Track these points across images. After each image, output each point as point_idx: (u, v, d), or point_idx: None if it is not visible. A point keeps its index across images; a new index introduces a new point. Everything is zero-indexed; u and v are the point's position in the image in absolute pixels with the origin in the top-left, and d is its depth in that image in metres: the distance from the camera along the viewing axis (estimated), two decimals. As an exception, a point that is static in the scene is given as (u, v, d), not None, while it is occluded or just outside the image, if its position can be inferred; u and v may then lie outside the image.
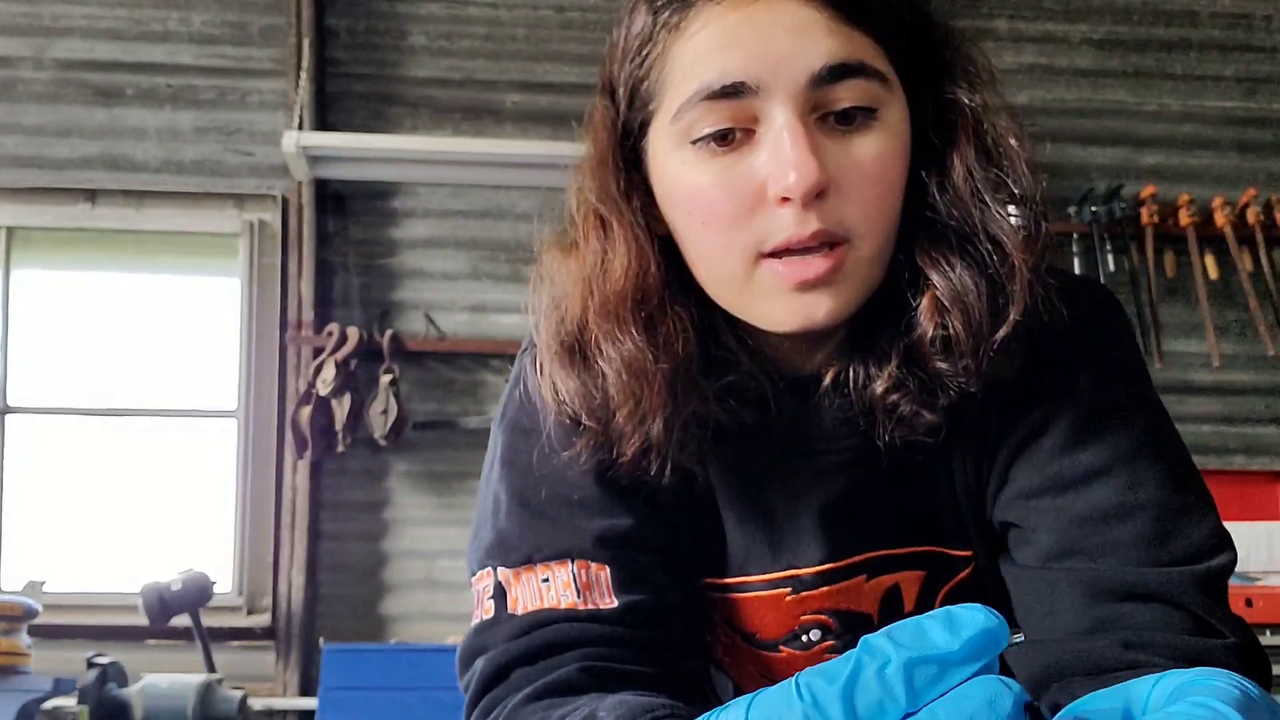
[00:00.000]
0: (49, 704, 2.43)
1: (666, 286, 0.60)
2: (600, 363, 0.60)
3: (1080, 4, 3.14)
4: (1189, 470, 0.62)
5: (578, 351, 0.61)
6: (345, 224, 2.92)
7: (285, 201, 2.89)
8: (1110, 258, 2.95)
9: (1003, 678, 0.27)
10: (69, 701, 2.36)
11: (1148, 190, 2.97)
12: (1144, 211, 2.96)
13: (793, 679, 0.28)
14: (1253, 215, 2.95)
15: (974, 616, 0.27)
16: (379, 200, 2.92)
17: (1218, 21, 3.16)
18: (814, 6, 0.54)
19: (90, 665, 2.29)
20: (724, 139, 0.55)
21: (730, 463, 0.64)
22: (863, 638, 0.28)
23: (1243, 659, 0.55)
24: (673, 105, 0.56)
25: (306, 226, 2.86)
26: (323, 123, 2.88)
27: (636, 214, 0.61)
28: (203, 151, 2.90)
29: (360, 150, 2.69)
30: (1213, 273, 2.97)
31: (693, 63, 0.55)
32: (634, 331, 0.59)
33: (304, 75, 2.83)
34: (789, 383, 0.63)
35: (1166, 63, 3.14)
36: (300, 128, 2.72)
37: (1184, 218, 2.96)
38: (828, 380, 0.61)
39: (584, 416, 0.61)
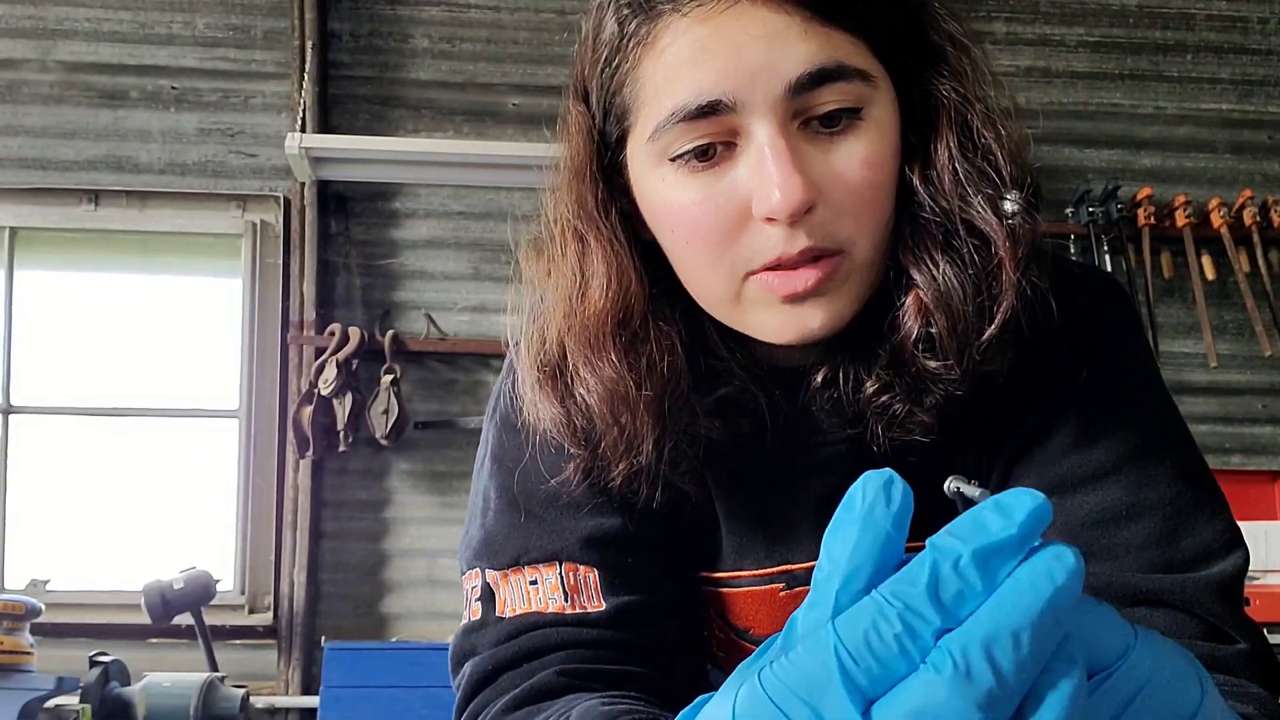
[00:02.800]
0: (51, 702, 2.43)
1: (652, 301, 0.58)
2: (580, 390, 0.58)
3: (1076, 7, 3.15)
4: (1199, 465, 0.60)
5: (559, 378, 0.59)
6: (347, 225, 2.93)
7: (287, 202, 2.91)
8: (1107, 259, 2.96)
9: (1057, 543, 0.29)
10: (71, 700, 2.36)
11: (1144, 192, 2.99)
12: (1140, 213, 2.97)
13: (872, 594, 0.29)
14: (1249, 216, 2.96)
15: (1021, 499, 0.29)
16: (381, 201, 2.94)
17: (1213, 24, 3.18)
18: (786, 10, 0.51)
19: (93, 664, 2.30)
20: (704, 155, 0.53)
21: (725, 457, 0.63)
22: (929, 540, 0.29)
23: (1255, 664, 0.55)
24: (648, 125, 0.54)
25: (309, 227, 2.87)
26: (325, 125, 2.89)
27: (616, 228, 0.58)
28: (205, 153, 2.92)
29: (362, 152, 2.70)
30: (1209, 273, 2.98)
31: (665, 80, 0.53)
32: (614, 358, 0.57)
33: (307, 78, 2.84)
34: (782, 378, 0.62)
35: (1162, 65, 3.16)
36: (303, 130, 2.74)
37: (1180, 219, 2.97)
38: (818, 380, 0.60)
39: (569, 444, 0.60)
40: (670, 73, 0.53)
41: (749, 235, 0.53)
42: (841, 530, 0.31)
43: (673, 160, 0.54)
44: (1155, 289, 2.99)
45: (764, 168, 0.51)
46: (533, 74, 2.99)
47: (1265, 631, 0.57)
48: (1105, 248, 2.97)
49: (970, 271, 0.55)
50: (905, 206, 0.57)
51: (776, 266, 0.53)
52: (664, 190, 0.55)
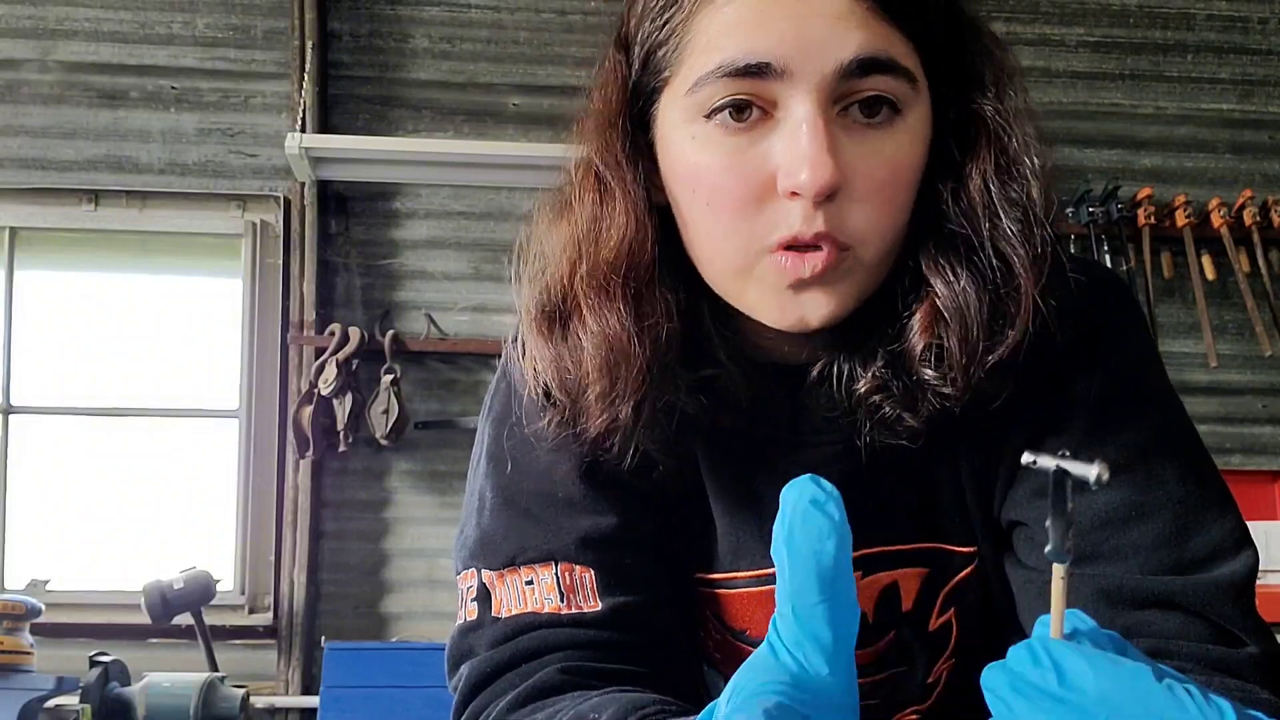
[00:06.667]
0: (51, 702, 2.43)
1: (658, 263, 0.58)
2: (580, 333, 0.58)
3: (1076, 7, 3.15)
4: (1207, 464, 0.60)
5: (558, 319, 0.59)
6: (347, 225, 2.93)
7: (287, 202, 2.91)
8: (1107, 259, 2.96)
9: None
10: (71, 700, 2.36)
11: (1144, 192, 2.99)
12: (1140, 213, 2.97)
13: None
14: (1249, 216, 2.96)
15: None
16: (381, 201, 2.94)
17: (1213, 24, 3.18)
18: None
19: (93, 664, 2.30)
20: (740, 110, 0.52)
21: (719, 454, 0.63)
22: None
23: (1264, 668, 0.54)
24: (690, 76, 0.53)
25: (309, 227, 2.87)
26: (325, 125, 2.89)
27: (639, 181, 0.58)
28: (205, 153, 2.92)
29: (362, 152, 2.70)
30: (1209, 273, 2.98)
31: (718, 35, 0.52)
32: (620, 307, 0.56)
33: (307, 78, 2.84)
34: (776, 372, 0.61)
35: (1163, 65, 3.16)
36: (303, 130, 2.74)
37: (1180, 219, 2.97)
38: (814, 374, 0.60)
39: (554, 388, 0.59)
40: (725, 29, 0.52)
41: (769, 208, 0.53)
42: (775, 547, 0.32)
43: (707, 117, 0.53)
44: (1155, 289, 2.99)
45: (798, 143, 0.51)
46: (533, 74, 2.99)
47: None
48: (1105, 248, 2.97)
49: (988, 292, 0.55)
50: (931, 217, 0.57)
51: (790, 246, 0.53)
52: (692, 148, 0.54)
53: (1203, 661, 0.53)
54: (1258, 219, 2.96)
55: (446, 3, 3.01)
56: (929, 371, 0.56)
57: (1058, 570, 0.34)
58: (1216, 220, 2.97)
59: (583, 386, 0.58)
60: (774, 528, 0.33)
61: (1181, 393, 0.63)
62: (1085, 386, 0.59)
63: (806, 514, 0.32)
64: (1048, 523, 0.34)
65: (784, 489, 0.33)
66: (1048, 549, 0.34)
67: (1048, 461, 0.34)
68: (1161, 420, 0.60)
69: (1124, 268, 2.95)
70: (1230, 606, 0.55)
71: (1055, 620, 0.33)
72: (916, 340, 0.56)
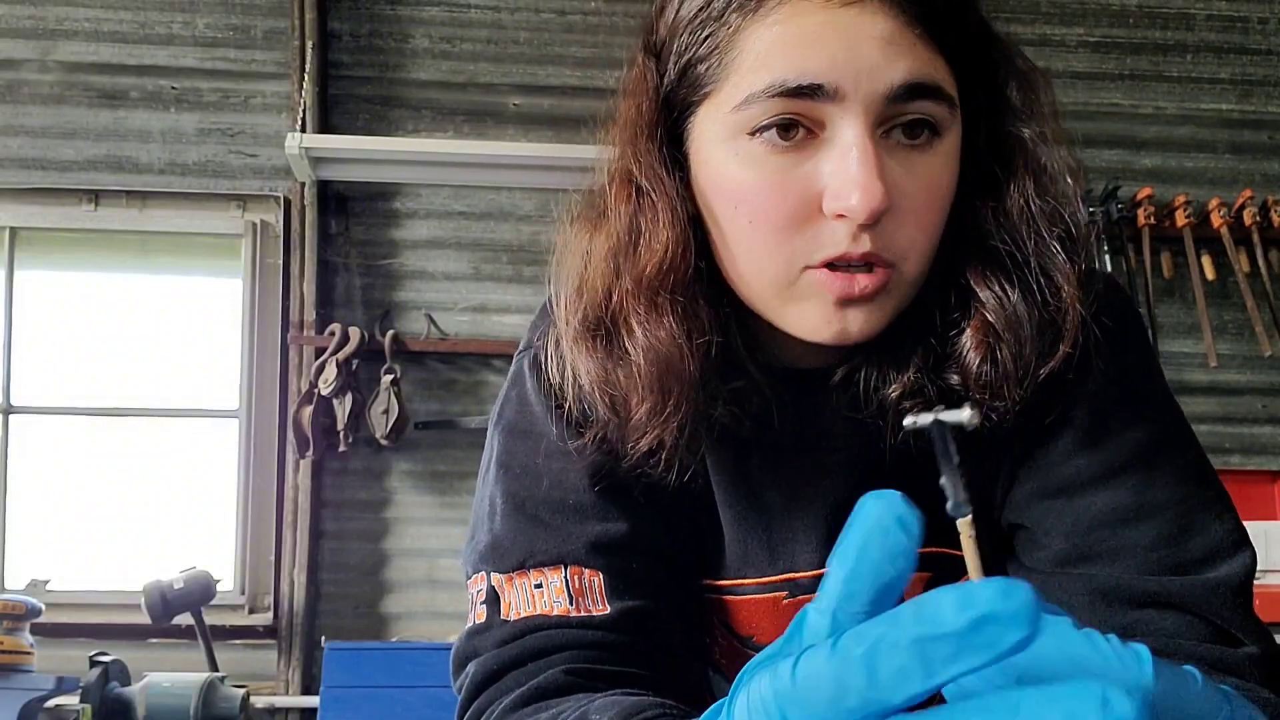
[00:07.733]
0: (52, 702, 2.43)
1: (699, 276, 0.57)
2: (630, 348, 0.57)
3: (1076, 7, 3.16)
4: (1205, 465, 0.61)
5: (602, 332, 0.58)
6: (347, 225, 2.93)
7: (287, 202, 2.91)
8: (1107, 259, 2.96)
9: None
10: (71, 700, 2.36)
11: (1144, 192, 2.99)
12: (1140, 213, 2.97)
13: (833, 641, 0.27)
14: (1249, 216, 2.96)
15: (983, 594, 0.24)
16: (381, 201, 2.94)
17: (1213, 24, 3.18)
18: (903, 22, 0.52)
19: (93, 664, 2.30)
20: (787, 130, 0.52)
21: (729, 460, 0.63)
22: (885, 614, 0.26)
23: (1263, 667, 0.55)
24: (737, 94, 0.53)
25: (309, 227, 2.87)
26: (325, 125, 2.89)
27: (677, 192, 0.57)
28: (205, 153, 2.92)
29: (362, 152, 2.70)
30: (1209, 273, 2.98)
31: (768, 54, 0.52)
32: (670, 321, 0.56)
33: (307, 78, 2.84)
34: (794, 377, 0.61)
35: (1162, 65, 3.16)
36: (303, 130, 2.74)
37: (1180, 219, 2.97)
38: (838, 377, 0.60)
39: (599, 406, 0.59)
40: (774, 48, 0.52)
41: (813, 228, 0.53)
42: (843, 550, 0.30)
43: (751, 134, 0.53)
44: (1155, 289, 2.99)
45: (847, 166, 0.51)
46: (533, 74, 2.99)
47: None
48: (1105, 248, 2.97)
49: (1037, 307, 0.56)
50: (971, 233, 0.58)
51: (834, 264, 0.53)
52: (734, 165, 0.54)
53: (1201, 660, 0.54)
54: (1258, 219, 2.96)
55: (446, 3, 3.01)
56: (981, 384, 0.56)
57: (963, 526, 0.33)
58: (1216, 220, 2.97)
59: (634, 402, 0.57)
60: (844, 532, 0.31)
61: (1181, 393, 0.64)
62: (1085, 390, 0.60)
63: (889, 531, 0.30)
64: (942, 480, 0.33)
65: (866, 497, 0.31)
66: (948, 505, 0.33)
67: (926, 418, 0.34)
68: (1160, 423, 0.60)
69: (1124, 268, 2.95)
70: (1228, 607, 0.55)
71: (974, 579, 0.33)
72: (971, 356, 0.56)
